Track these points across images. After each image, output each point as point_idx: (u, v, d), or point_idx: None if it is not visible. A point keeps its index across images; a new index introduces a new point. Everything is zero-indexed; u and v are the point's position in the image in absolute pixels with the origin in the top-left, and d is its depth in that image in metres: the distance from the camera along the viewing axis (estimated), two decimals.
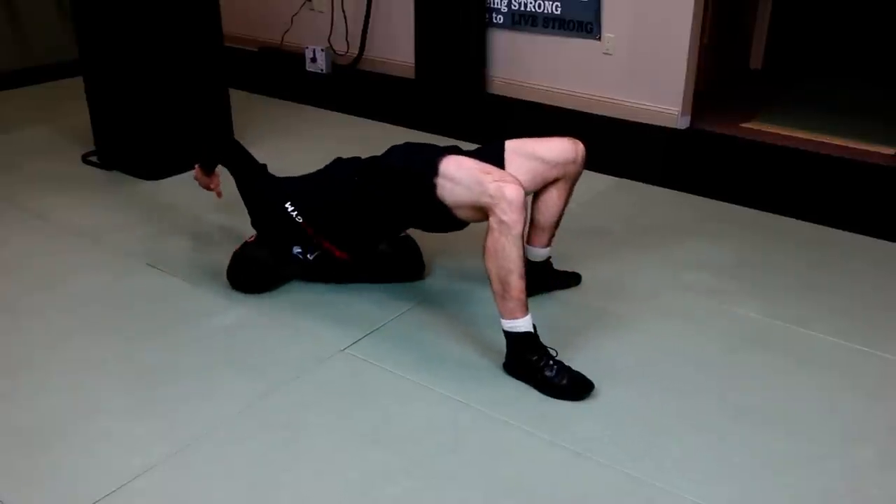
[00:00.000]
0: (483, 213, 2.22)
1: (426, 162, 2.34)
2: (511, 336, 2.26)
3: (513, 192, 2.13)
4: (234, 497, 1.89)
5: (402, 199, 2.42)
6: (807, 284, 2.84)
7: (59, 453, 2.03)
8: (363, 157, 2.68)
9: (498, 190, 2.14)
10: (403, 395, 2.25)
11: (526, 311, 2.23)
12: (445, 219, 2.37)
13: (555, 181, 2.53)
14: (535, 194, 2.56)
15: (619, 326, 2.58)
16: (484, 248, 2.21)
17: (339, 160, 2.73)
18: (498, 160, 2.46)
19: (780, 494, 1.90)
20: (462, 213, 2.32)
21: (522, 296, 2.21)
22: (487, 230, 2.19)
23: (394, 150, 2.56)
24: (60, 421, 2.14)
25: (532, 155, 2.49)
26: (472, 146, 4.17)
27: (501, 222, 2.14)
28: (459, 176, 2.26)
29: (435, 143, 2.59)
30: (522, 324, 2.23)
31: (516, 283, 2.19)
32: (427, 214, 2.41)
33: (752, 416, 2.17)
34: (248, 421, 2.14)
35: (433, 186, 2.29)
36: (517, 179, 2.20)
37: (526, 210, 2.18)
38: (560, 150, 2.51)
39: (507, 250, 2.15)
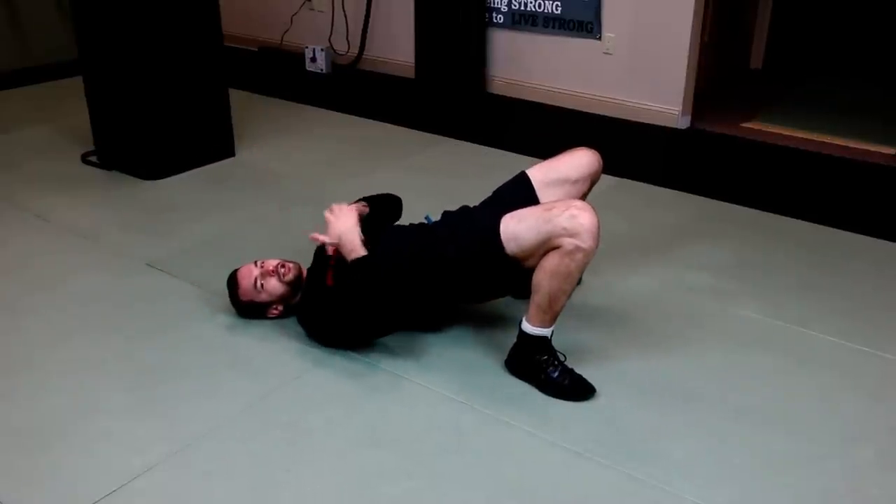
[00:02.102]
0: (551, 247, 2.13)
1: (485, 231, 2.22)
2: (526, 336, 2.25)
3: (588, 219, 2.07)
4: (235, 497, 1.89)
5: (475, 279, 2.30)
6: (807, 285, 2.84)
7: (59, 453, 2.02)
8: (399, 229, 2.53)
9: (572, 220, 2.07)
10: (404, 395, 2.25)
11: (554, 322, 2.22)
12: (516, 274, 2.26)
13: (583, 196, 2.52)
14: None
15: (619, 327, 2.58)
16: (542, 265, 2.14)
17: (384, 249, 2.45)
18: (530, 199, 2.44)
19: (780, 494, 1.90)
20: (534, 262, 2.18)
21: (560, 311, 2.20)
22: (553, 248, 2.11)
23: (444, 235, 2.38)
24: (60, 421, 2.14)
25: (561, 180, 2.48)
26: (473, 146, 4.21)
27: (578, 248, 2.07)
28: (523, 227, 2.16)
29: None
30: (545, 331, 2.23)
31: (563, 302, 2.17)
32: (500, 280, 2.31)
33: (752, 416, 2.17)
34: (249, 421, 2.14)
35: (501, 249, 2.19)
36: (586, 204, 2.14)
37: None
38: (587, 164, 2.51)
39: (572, 276, 2.12)
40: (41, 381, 2.31)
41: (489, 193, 2.60)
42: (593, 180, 2.55)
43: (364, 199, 2.66)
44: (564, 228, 2.08)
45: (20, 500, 1.88)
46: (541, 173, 2.52)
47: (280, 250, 2.72)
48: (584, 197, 2.54)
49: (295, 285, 2.51)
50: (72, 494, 1.89)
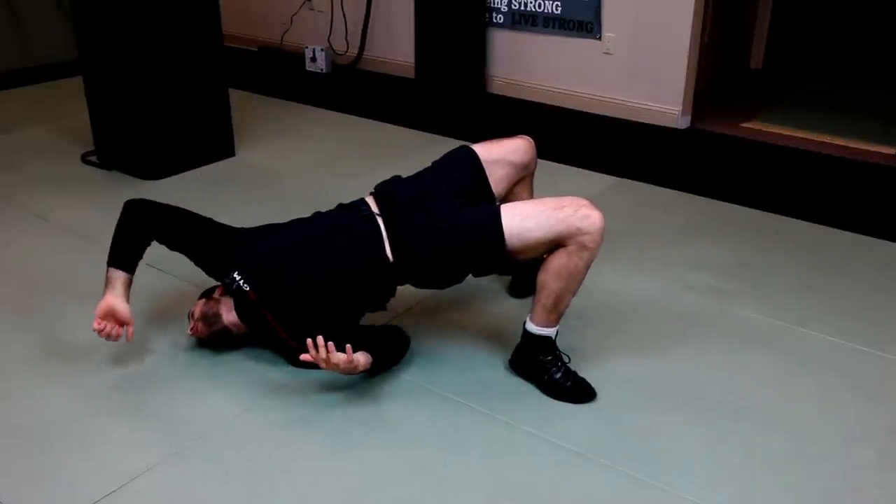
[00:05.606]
0: (555, 245, 2.13)
1: (485, 231, 2.16)
2: (530, 336, 2.25)
3: (599, 219, 2.09)
4: (234, 498, 1.89)
5: (464, 271, 2.28)
6: (807, 284, 2.84)
7: (59, 454, 2.02)
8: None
9: (585, 220, 2.07)
10: (403, 396, 2.25)
11: (559, 321, 2.23)
12: (506, 266, 2.28)
13: (519, 181, 2.54)
14: (505, 197, 2.53)
15: (619, 327, 2.58)
16: (547, 265, 2.14)
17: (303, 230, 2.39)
18: (480, 174, 2.44)
19: (780, 494, 1.90)
20: (527, 257, 2.18)
21: (565, 310, 2.21)
22: (559, 248, 2.11)
23: (429, 238, 2.25)
24: (60, 421, 2.14)
25: (504, 161, 2.48)
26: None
27: (585, 248, 2.09)
28: (530, 224, 2.12)
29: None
30: (549, 331, 2.23)
31: (568, 301, 2.18)
32: (488, 268, 2.31)
33: (752, 416, 2.17)
34: (248, 422, 2.14)
35: (503, 247, 2.14)
36: (591, 203, 2.13)
37: None
38: (524, 151, 2.52)
39: (580, 274, 2.13)
40: (41, 381, 2.31)
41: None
42: (529, 170, 2.56)
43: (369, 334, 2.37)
44: (578, 228, 2.08)
45: (20, 500, 1.88)
46: (484, 152, 2.49)
47: None
48: (530, 182, 2.56)
49: (218, 330, 2.38)
50: (72, 494, 1.89)
